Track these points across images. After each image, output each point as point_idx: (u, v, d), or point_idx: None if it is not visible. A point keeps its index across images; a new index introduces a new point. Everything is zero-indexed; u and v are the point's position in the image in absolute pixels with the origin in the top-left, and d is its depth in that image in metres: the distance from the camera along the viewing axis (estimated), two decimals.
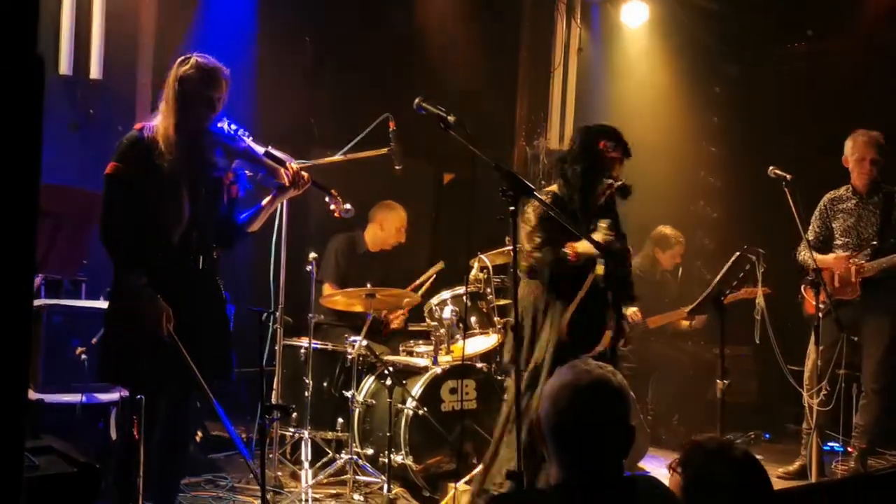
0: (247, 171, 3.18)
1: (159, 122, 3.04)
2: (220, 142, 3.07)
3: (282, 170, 3.11)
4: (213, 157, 3.06)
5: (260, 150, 3.12)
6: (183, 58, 3.08)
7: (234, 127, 3.12)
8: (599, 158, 3.46)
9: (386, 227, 5.08)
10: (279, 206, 3.93)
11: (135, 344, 2.96)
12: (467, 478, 4.00)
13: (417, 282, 5.06)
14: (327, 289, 4.93)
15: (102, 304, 4.03)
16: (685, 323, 5.82)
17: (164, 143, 2.98)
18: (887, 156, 4.70)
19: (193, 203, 3.03)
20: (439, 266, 5.00)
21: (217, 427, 4.76)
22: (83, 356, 3.78)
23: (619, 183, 3.44)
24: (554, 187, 3.53)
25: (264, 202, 3.23)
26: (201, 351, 3.00)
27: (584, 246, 3.32)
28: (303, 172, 3.16)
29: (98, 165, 4.41)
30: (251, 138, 3.14)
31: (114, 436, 3.81)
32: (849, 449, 5.03)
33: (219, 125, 3.09)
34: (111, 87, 4.65)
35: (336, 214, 3.31)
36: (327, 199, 3.30)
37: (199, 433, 4.38)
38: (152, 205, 2.97)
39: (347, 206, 3.31)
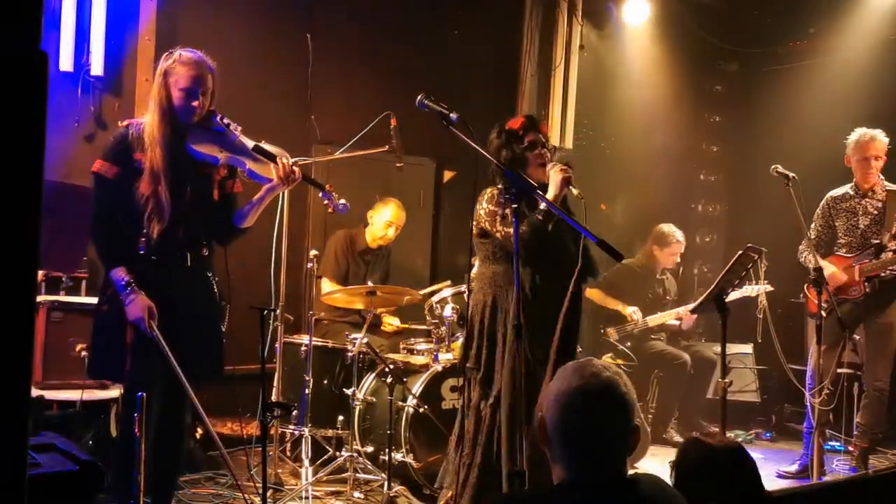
0: (237, 167, 3.12)
1: (146, 119, 3.01)
2: (208, 137, 3.02)
3: (271, 165, 3.06)
4: (201, 152, 3.02)
5: (249, 144, 3.06)
6: (168, 52, 3.05)
7: (226, 121, 3.06)
8: (517, 137, 3.43)
9: (374, 222, 5.08)
10: (278, 202, 3.92)
11: (122, 341, 2.94)
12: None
13: (426, 290, 5.03)
14: (325, 284, 4.92)
15: None
16: (675, 323, 5.81)
17: (150, 139, 2.96)
18: (890, 154, 4.70)
19: (178, 199, 2.99)
20: (445, 284, 4.95)
21: (217, 424, 4.75)
22: (83, 353, 3.77)
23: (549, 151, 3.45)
24: (493, 189, 3.47)
25: (255, 198, 3.18)
26: (187, 349, 2.97)
27: (552, 190, 3.27)
28: (294, 168, 3.10)
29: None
30: (241, 132, 3.08)
31: (114, 433, 3.80)
32: (850, 448, 5.03)
33: (208, 119, 3.04)
34: (112, 84, 4.63)
35: (331, 210, 3.28)
36: (322, 196, 3.26)
37: (199, 430, 4.37)
38: (136, 202, 2.94)
39: (342, 201, 3.26)
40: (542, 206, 3.26)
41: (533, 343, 3.18)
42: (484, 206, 3.40)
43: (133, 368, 2.95)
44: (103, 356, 3.02)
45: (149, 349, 2.92)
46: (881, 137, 4.67)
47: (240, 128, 3.09)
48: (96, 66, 4.50)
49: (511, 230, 3.23)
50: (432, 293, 4.76)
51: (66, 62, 4.40)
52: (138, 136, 2.98)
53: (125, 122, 3.09)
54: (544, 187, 3.36)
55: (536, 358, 3.22)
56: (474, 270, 4.54)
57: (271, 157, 3.06)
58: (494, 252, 3.43)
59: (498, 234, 3.34)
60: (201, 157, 3.02)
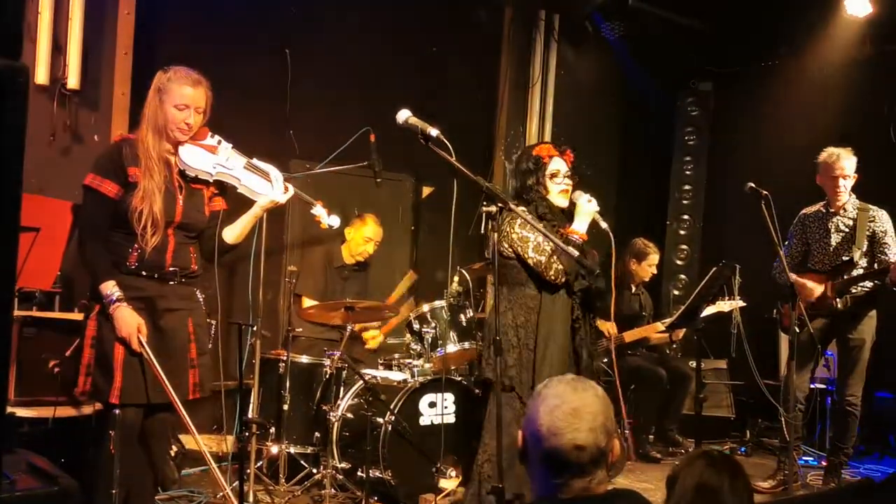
0: (229, 183, 3.13)
1: (139, 134, 3.01)
2: (200, 153, 3.04)
3: (263, 181, 3.09)
4: (193, 168, 3.03)
5: (242, 160, 3.09)
6: (164, 68, 3.06)
7: (216, 138, 3.09)
8: (544, 164, 3.56)
9: (352, 237, 5.08)
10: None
11: (111, 358, 2.91)
12: (445, 492, 3.99)
13: (393, 295, 5.05)
14: (305, 301, 4.90)
15: (76, 316, 3.98)
16: (664, 336, 5.85)
17: (143, 154, 2.96)
18: (858, 171, 4.78)
19: (170, 216, 2.99)
20: (410, 276, 4.99)
21: (192, 442, 4.70)
22: (56, 369, 3.72)
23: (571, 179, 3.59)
24: (520, 209, 3.54)
25: (247, 214, 3.18)
26: (174, 366, 2.96)
27: (579, 223, 3.43)
28: (286, 184, 3.14)
29: (73, 175, 4.40)
30: (233, 149, 3.11)
31: (87, 450, 3.75)
32: (823, 462, 5.09)
33: (200, 136, 3.06)
34: (88, 98, 4.60)
35: (322, 226, 3.29)
36: (313, 212, 3.27)
37: (174, 448, 4.32)
38: (128, 216, 2.93)
39: (334, 217, 3.29)
40: (573, 238, 3.39)
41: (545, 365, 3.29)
42: (517, 231, 3.47)
43: (122, 385, 2.91)
44: (91, 373, 2.96)
45: (138, 366, 2.91)
46: (847, 156, 4.75)
47: (231, 145, 3.10)
48: (72, 80, 4.48)
49: (543, 259, 3.37)
50: (402, 296, 4.78)
51: (41, 75, 4.37)
52: (131, 151, 2.98)
53: (118, 136, 3.11)
54: (567, 214, 3.51)
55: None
56: (454, 286, 4.57)
57: (264, 174, 3.08)
58: (524, 276, 3.48)
59: (530, 261, 3.41)
60: (194, 172, 3.03)
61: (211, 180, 3.07)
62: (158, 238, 2.95)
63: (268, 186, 3.09)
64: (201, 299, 3.16)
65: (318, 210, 3.27)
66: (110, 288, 2.90)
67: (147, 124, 3.00)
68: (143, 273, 2.98)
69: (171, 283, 3.03)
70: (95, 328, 2.96)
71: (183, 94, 2.98)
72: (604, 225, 3.46)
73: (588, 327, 3.51)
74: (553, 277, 3.39)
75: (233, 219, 3.20)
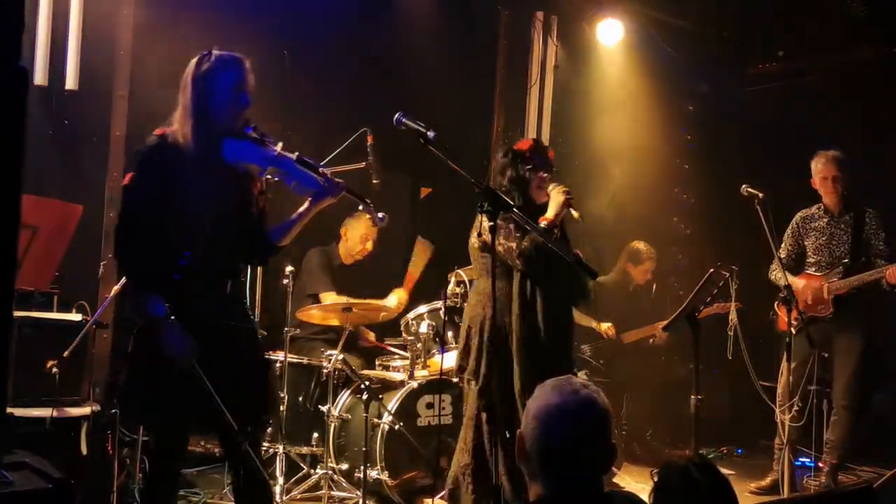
0: (277, 179, 2.86)
1: (177, 128, 2.69)
2: (247, 147, 2.73)
3: (316, 177, 2.78)
4: (240, 164, 2.73)
5: (291, 156, 2.77)
6: (201, 54, 2.74)
7: (261, 131, 2.78)
8: (523, 159, 3.61)
9: (350, 237, 5.07)
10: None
11: (153, 379, 2.62)
12: (443, 493, 4.00)
13: (411, 270, 5.04)
14: (326, 298, 4.83)
15: (74, 316, 3.97)
16: (665, 337, 5.86)
17: (187, 149, 2.66)
18: (851, 172, 4.80)
19: (218, 217, 2.70)
20: (422, 247, 4.97)
21: (190, 442, 4.69)
22: (54, 369, 3.72)
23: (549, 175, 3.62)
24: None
25: (299, 213, 2.88)
26: (232, 388, 2.62)
27: (552, 210, 3.45)
28: (337, 179, 2.83)
29: (71, 176, 4.40)
30: (280, 143, 2.78)
31: (83, 451, 3.74)
32: (820, 464, 5.10)
33: (241, 129, 2.75)
34: (87, 99, 4.60)
35: (372, 224, 3.22)
36: (361, 208, 3.01)
37: None
38: (173, 220, 2.63)
39: (381, 214, 3.01)
40: (542, 225, 3.42)
41: (529, 358, 3.27)
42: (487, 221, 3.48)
43: (166, 407, 2.63)
44: (130, 394, 2.73)
45: (186, 388, 2.58)
46: (830, 158, 4.78)
47: (278, 140, 2.80)
48: (71, 81, 4.47)
49: (513, 244, 3.38)
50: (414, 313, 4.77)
51: (40, 76, 4.36)
52: (174, 146, 2.67)
53: (160, 131, 2.74)
54: (544, 208, 3.51)
55: (527, 373, 3.28)
56: (450, 287, 4.58)
57: (314, 169, 2.78)
58: (495, 267, 3.47)
59: (499, 248, 3.42)
60: (244, 169, 2.75)
61: (263, 176, 2.81)
62: (203, 242, 2.65)
63: (320, 182, 2.78)
64: (249, 310, 2.87)
65: (367, 207, 3.01)
66: (155, 302, 2.57)
67: (185, 118, 2.68)
68: (192, 284, 2.65)
69: (222, 294, 2.74)
70: (138, 348, 2.68)
71: (236, 78, 2.70)
72: (575, 214, 3.50)
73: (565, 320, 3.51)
74: (519, 264, 3.43)
75: (275, 218, 2.94)
